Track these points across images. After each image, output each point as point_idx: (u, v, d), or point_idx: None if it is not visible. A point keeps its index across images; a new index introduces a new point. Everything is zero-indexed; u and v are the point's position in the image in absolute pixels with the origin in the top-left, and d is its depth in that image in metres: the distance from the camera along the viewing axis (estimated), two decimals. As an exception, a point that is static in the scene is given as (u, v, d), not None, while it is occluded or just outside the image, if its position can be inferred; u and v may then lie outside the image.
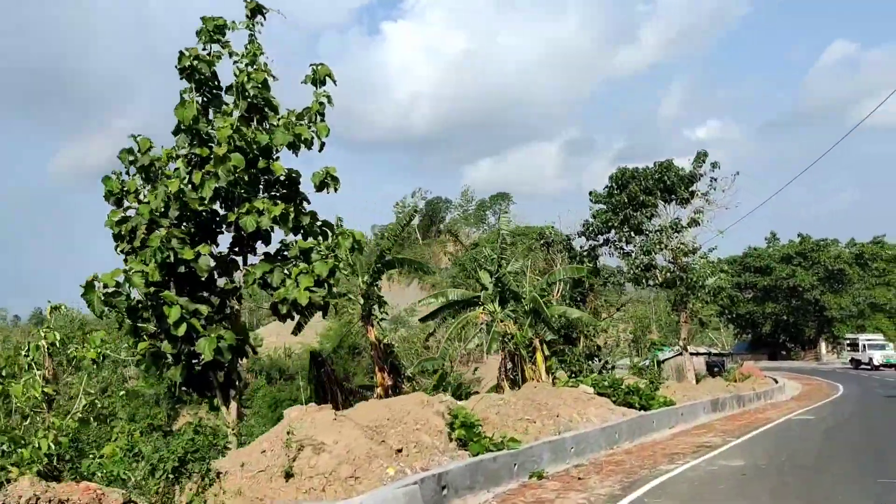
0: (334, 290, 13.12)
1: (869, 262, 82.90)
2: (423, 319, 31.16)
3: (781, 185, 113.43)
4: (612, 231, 34.22)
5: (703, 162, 34.37)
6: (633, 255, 34.13)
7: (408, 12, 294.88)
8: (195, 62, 12.98)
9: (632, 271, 33.09)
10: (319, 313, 13.88)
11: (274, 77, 13.59)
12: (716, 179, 34.49)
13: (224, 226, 13.43)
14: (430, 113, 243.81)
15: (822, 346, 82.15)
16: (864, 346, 60.35)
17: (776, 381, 44.53)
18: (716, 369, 61.94)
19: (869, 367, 59.32)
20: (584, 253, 39.00)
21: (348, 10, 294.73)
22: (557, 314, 26.66)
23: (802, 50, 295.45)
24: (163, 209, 12.45)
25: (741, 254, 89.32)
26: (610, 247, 35.40)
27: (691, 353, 67.08)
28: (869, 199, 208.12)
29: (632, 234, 34.27)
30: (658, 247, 32.83)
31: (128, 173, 13.08)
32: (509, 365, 25.39)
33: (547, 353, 25.64)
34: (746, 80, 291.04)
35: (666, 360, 66.44)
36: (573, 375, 25.57)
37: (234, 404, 13.46)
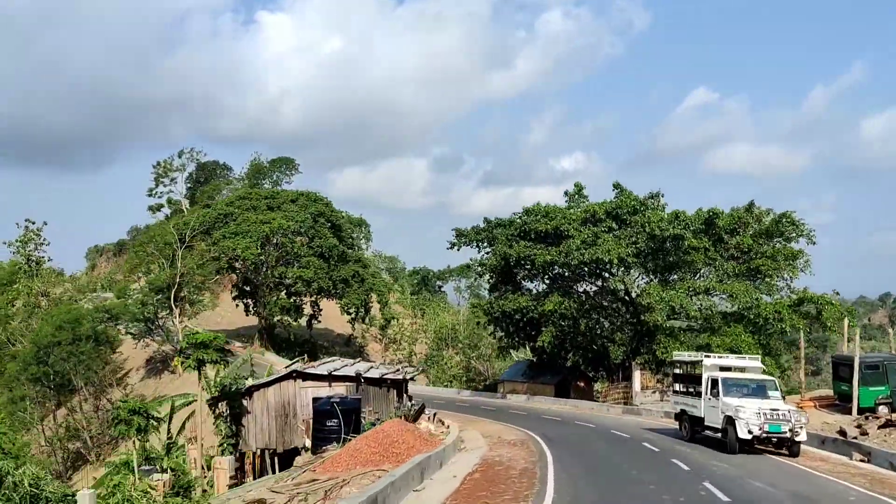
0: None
1: (726, 235, 47.15)
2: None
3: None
4: None
5: None
6: None
7: (286, 5, 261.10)
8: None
9: None
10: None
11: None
12: None
13: None
14: (298, 112, 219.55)
15: (637, 376, 45.50)
16: (718, 383, 22.62)
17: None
18: (329, 426, 20.29)
19: (725, 437, 21.76)
20: None
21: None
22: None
23: (666, 93, 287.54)
24: None
25: (520, 210, 51.70)
26: None
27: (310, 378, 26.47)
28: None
29: None
30: None
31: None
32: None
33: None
34: (612, 117, 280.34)
35: (258, 387, 24.67)
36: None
37: None
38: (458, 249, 53.42)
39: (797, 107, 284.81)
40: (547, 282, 51.88)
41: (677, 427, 27.20)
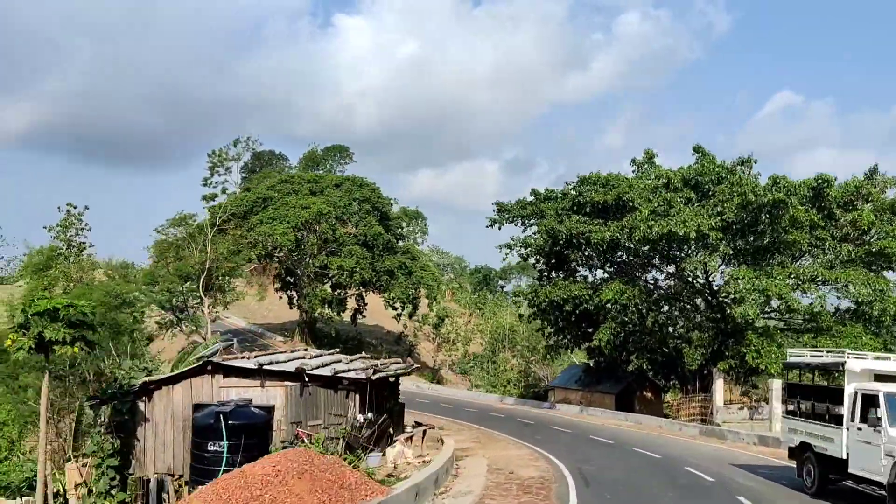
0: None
1: (839, 210, 36.77)
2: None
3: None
4: None
5: None
6: None
7: (364, 8, 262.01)
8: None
9: None
10: None
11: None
12: None
13: None
14: (372, 114, 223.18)
15: (719, 386, 35.51)
16: (878, 401, 12.94)
17: None
18: (212, 451, 12.89)
19: (893, 500, 12.00)
20: None
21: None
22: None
23: (747, 97, 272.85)
24: None
25: (575, 179, 42.24)
26: None
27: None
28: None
29: None
30: None
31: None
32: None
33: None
34: (690, 119, 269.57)
35: (158, 383, 14.36)
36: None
37: None
38: (500, 228, 44.30)
39: (887, 111, 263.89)
40: (609, 270, 42.35)
41: (786, 464, 17.62)
